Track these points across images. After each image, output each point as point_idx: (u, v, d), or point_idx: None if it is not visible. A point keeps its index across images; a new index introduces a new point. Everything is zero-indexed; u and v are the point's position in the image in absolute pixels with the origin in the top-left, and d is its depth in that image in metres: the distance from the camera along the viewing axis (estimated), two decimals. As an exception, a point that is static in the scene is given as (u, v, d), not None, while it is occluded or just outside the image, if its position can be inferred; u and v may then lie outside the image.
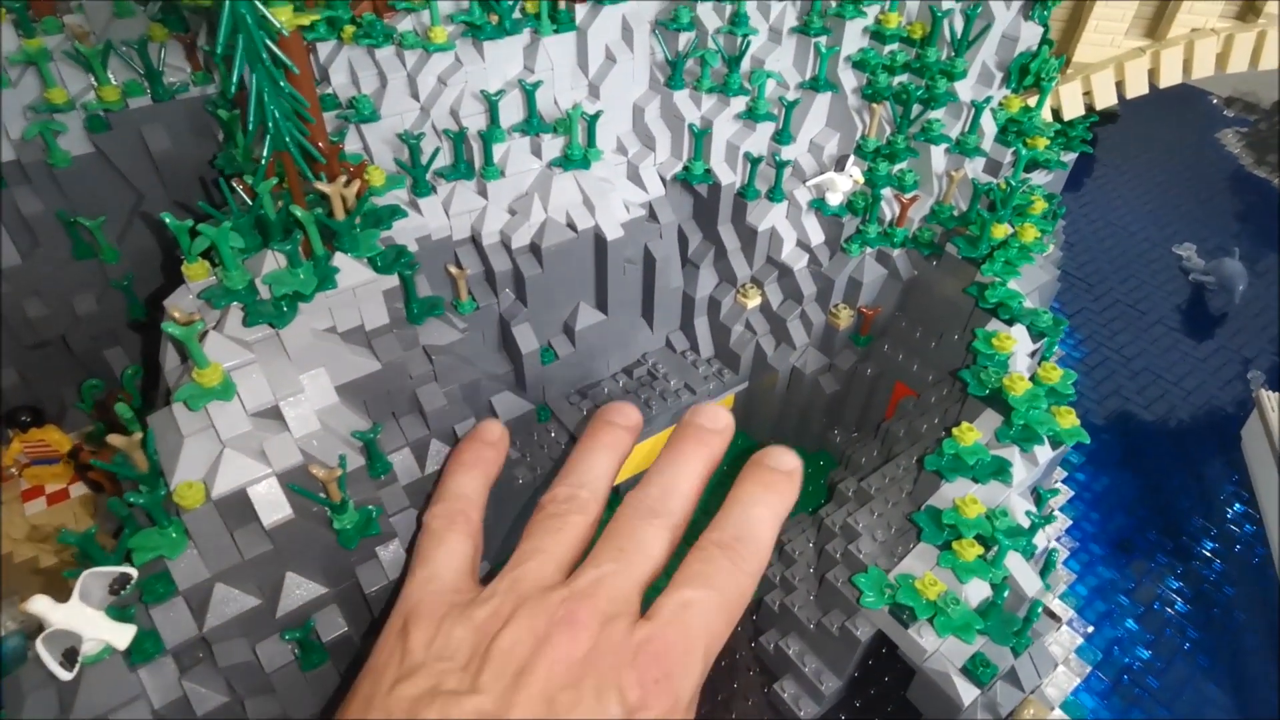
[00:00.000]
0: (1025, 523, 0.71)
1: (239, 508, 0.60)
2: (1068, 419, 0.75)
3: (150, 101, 0.86)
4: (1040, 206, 0.89)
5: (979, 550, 0.69)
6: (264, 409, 0.63)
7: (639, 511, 0.58)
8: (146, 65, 0.84)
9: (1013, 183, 0.86)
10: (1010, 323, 0.83)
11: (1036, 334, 0.84)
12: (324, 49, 0.82)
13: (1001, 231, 0.87)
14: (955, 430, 0.75)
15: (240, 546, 0.61)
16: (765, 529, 0.58)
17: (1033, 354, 0.86)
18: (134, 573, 0.56)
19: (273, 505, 0.61)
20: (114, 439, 0.58)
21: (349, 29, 0.81)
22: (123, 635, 0.55)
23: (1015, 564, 0.70)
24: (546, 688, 0.47)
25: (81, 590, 0.55)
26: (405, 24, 0.82)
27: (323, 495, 0.64)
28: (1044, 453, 0.76)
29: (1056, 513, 1.01)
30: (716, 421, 0.64)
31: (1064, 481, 1.06)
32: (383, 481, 0.72)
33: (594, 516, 0.61)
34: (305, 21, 0.62)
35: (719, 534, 0.57)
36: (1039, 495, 0.78)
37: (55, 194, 0.86)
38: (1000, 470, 0.73)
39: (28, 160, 0.84)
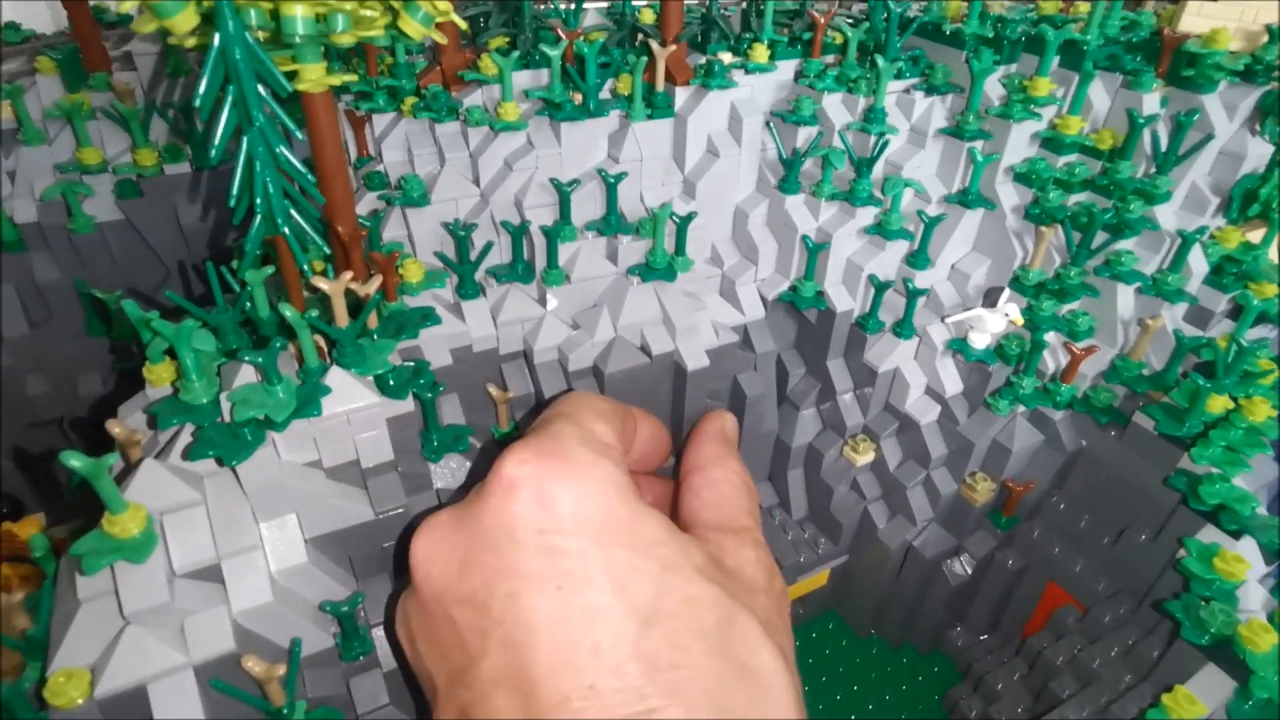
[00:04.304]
0: None
1: (133, 711, 0.43)
2: (1344, 702, 0.51)
3: (190, 169, 0.77)
4: (1275, 375, 0.66)
5: None
6: (198, 569, 0.47)
7: None
8: (190, 129, 0.75)
9: (1241, 341, 0.64)
10: (1237, 535, 0.60)
11: (1276, 552, 0.60)
12: (380, 122, 0.71)
13: (1220, 405, 0.64)
14: (1168, 699, 0.51)
15: (127, 767, 0.44)
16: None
17: (1265, 578, 0.62)
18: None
19: (180, 712, 0.44)
20: (-13, 598, 0.43)
21: (410, 100, 0.69)
22: None
23: None
24: None
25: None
26: (474, 98, 0.70)
27: (259, 696, 0.46)
28: (1305, 749, 0.51)
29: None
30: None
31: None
32: (359, 666, 0.55)
33: None
34: (336, 81, 0.49)
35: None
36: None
37: (74, 262, 0.77)
38: (1240, 771, 0.49)
39: (49, 223, 0.75)
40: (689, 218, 0.70)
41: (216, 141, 0.44)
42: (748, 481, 0.53)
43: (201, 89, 0.42)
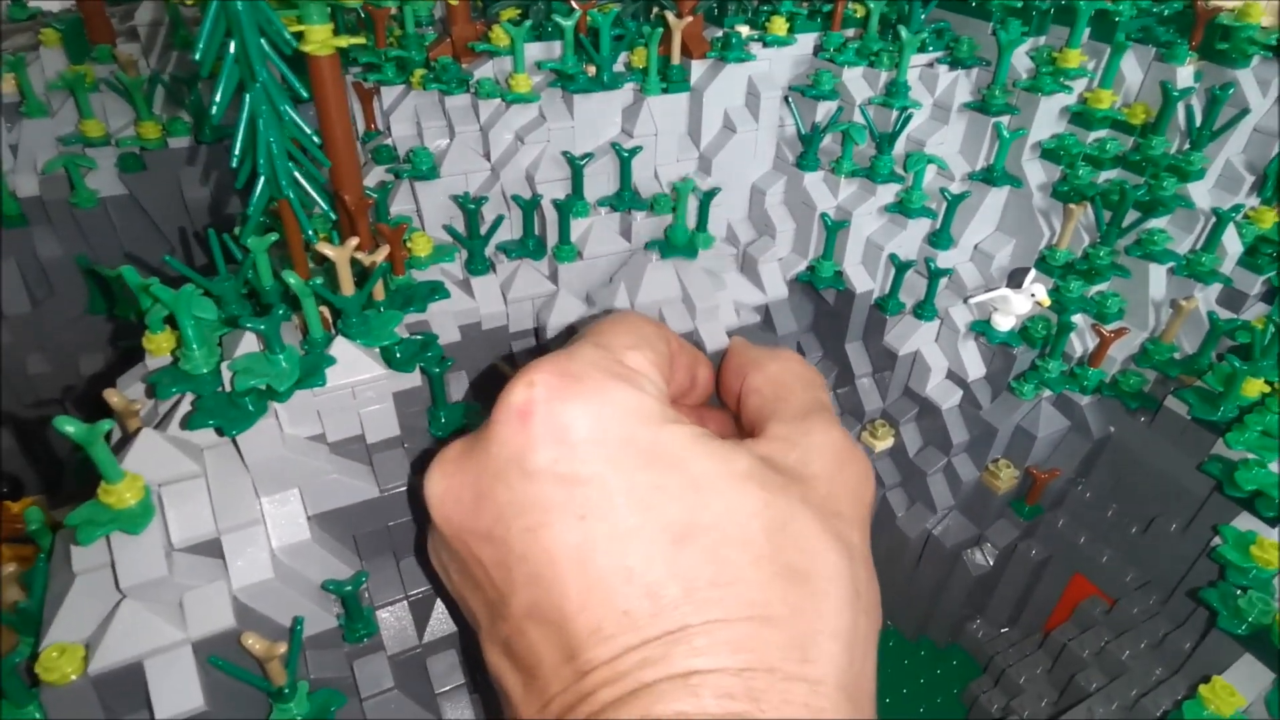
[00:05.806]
0: None
1: (129, 688, 0.42)
2: (1393, 696, 0.48)
3: (195, 142, 0.75)
4: (1313, 359, 0.64)
5: None
6: (197, 543, 0.45)
7: None
8: (194, 101, 0.74)
9: (1278, 322, 0.61)
10: (1273, 522, 0.58)
11: (1314, 543, 0.58)
12: (389, 94, 0.69)
13: (1255, 389, 0.62)
14: (1205, 690, 0.49)
15: (122, 747, 0.42)
16: None
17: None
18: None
19: (177, 690, 0.42)
20: (-22, 569, 0.41)
21: (419, 72, 0.68)
22: None
23: None
24: None
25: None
26: (485, 70, 0.68)
27: (259, 675, 0.45)
28: (1351, 744, 0.49)
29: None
30: None
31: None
32: (362, 649, 0.53)
33: None
34: (343, 44, 0.48)
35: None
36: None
37: (76, 237, 0.76)
38: (1282, 767, 0.47)
39: (51, 198, 0.73)
40: (712, 193, 0.68)
41: (218, 99, 0.43)
42: (808, 367, 0.49)
43: (202, 42, 0.41)
